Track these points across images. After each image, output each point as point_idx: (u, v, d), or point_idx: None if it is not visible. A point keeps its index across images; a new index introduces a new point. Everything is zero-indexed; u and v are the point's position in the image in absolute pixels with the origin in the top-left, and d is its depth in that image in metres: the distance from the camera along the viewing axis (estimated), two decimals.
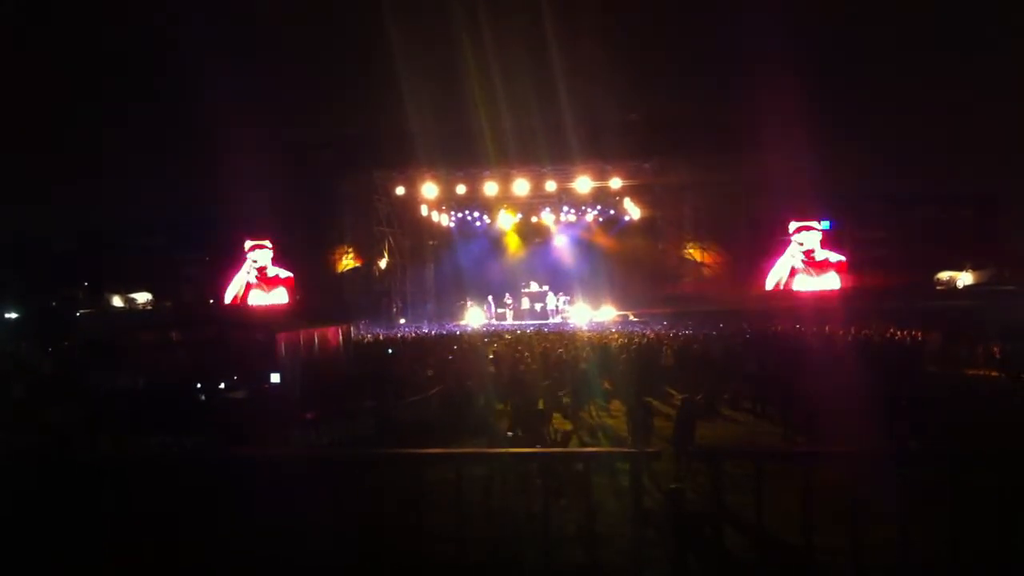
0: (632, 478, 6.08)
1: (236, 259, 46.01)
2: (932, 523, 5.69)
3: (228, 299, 45.64)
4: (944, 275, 42.85)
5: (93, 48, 35.54)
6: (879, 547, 5.79)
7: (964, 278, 42.11)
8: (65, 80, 37.27)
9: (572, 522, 6.73)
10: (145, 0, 32.17)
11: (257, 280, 45.40)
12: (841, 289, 41.14)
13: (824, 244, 41.10)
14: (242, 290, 45.55)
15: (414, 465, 6.82)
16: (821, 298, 40.61)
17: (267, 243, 45.59)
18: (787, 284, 41.94)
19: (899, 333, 28.21)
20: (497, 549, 6.26)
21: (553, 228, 49.22)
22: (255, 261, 45.55)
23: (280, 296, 45.23)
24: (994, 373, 23.61)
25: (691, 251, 44.54)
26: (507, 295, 47.46)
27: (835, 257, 40.88)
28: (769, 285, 42.18)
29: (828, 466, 6.81)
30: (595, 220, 47.74)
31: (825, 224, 41.39)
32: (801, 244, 41.58)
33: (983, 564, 5.86)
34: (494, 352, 27.24)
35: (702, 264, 44.20)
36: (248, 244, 45.63)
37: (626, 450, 7.31)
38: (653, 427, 15.37)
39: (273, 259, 45.43)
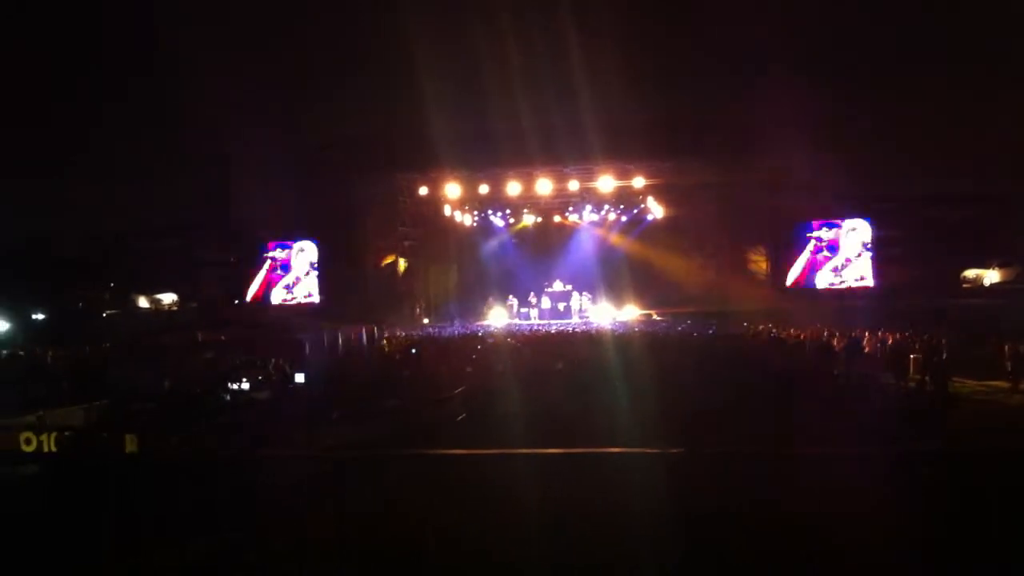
0: (651, 478, 6.08)
1: (261, 259, 46.26)
2: (936, 524, 5.67)
3: (249, 298, 45.99)
4: (970, 273, 42.48)
5: (117, 50, 35.66)
6: (886, 547, 5.77)
7: (990, 276, 41.72)
8: (92, 80, 37.41)
9: (591, 521, 6.73)
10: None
11: (282, 279, 45.73)
12: (865, 288, 40.97)
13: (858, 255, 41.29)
14: (265, 289, 45.88)
15: (437, 465, 6.84)
16: (845, 296, 40.46)
17: (291, 243, 45.90)
18: (810, 282, 41.94)
19: (916, 335, 27.99)
20: (517, 548, 6.26)
21: (576, 228, 49.21)
22: (277, 260, 45.89)
23: (304, 296, 45.51)
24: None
25: (712, 249, 44.52)
26: (531, 295, 47.50)
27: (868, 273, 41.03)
28: (789, 281, 42.24)
29: (837, 467, 6.78)
30: (618, 219, 47.65)
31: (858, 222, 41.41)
32: (821, 240, 41.72)
33: (987, 564, 5.83)
34: (518, 352, 27.30)
35: (724, 263, 44.13)
36: (272, 245, 45.95)
37: (646, 450, 7.29)
38: (676, 427, 15.31)
39: (300, 260, 45.80)
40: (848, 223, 41.58)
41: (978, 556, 5.80)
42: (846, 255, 41.58)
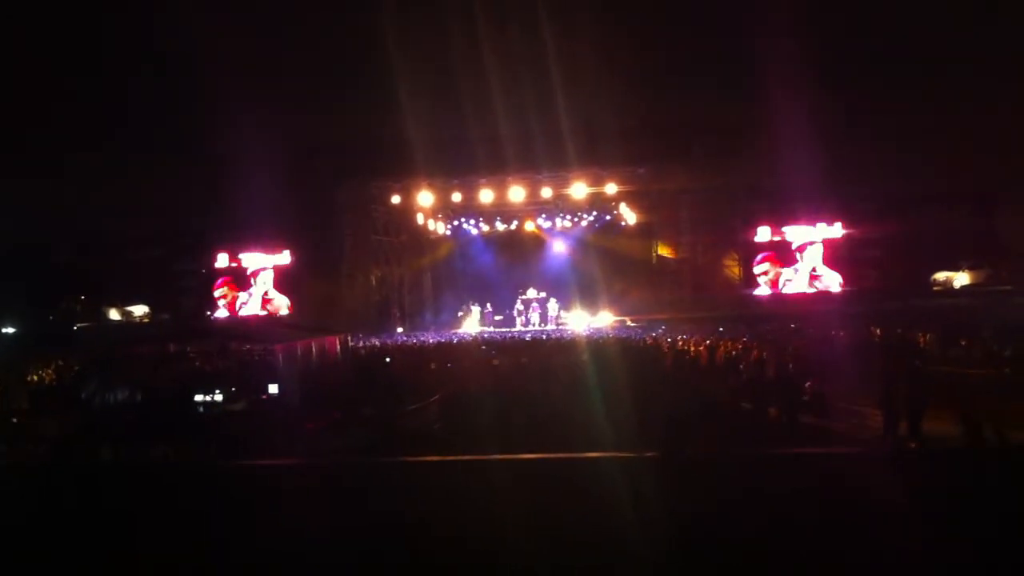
0: (630, 482, 6.09)
1: (233, 270, 45.97)
2: (932, 522, 5.69)
3: (221, 309, 45.74)
4: (941, 275, 42.89)
5: (88, 55, 35.45)
6: (880, 549, 5.79)
7: (961, 278, 42.15)
8: (56, 86, 37.11)
9: (570, 527, 6.72)
10: (142, 9, 32.09)
11: (255, 289, 45.51)
12: (838, 291, 41.20)
13: (826, 258, 41.41)
14: (238, 299, 45.63)
15: (415, 473, 6.83)
16: (819, 300, 40.68)
17: (264, 253, 45.65)
18: (781, 287, 42.10)
19: (897, 334, 28.24)
20: (497, 554, 6.25)
21: (549, 235, 49.33)
22: (251, 270, 45.64)
23: (277, 306, 45.31)
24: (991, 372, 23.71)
25: (686, 255, 44.70)
26: (505, 302, 47.59)
27: (835, 276, 41.24)
28: (761, 286, 42.38)
29: (828, 467, 6.82)
30: (591, 226, 47.80)
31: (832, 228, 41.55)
32: (792, 245, 41.87)
33: (983, 564, 5.86)
34: (494, 360, 27.33)
35: (697, 268, 44.32)
36: (245, 255, 45.67)
37: (624, 454, 7.30)
38: (654, 431, 15.35)
39: (273, 270, 45.54)
40: (820, 227, 41.80)
41: (978, 556, 5.83)
42: (818, 259, 41.79)
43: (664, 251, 46.02)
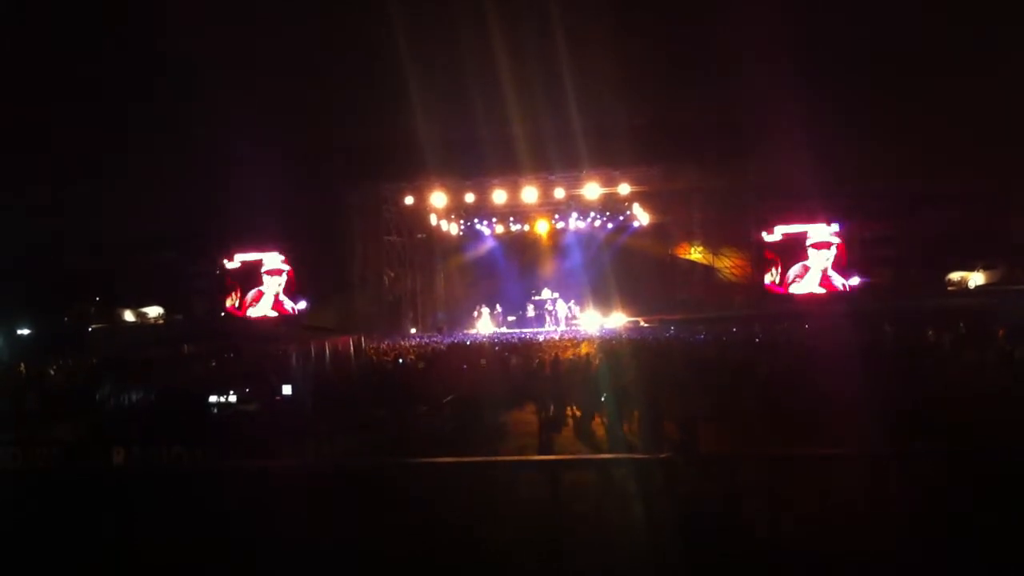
0: (642, 484, 6.08)
1: (245, 270, 46.05)
2: (941, 521, 5.67)
3: (234, 310, 45.84)
4: (955, 275, 42.63)
5: (97, 57, 35.53)
6: (891, 547, 5.77)
7: (975, 278, 41.89)
8: (69, 89, 37.20)
9: (583, 528, 6.72)
10: (150, 9, 32.16)
11: (267, 290, 45.59)
12: (851, 290, 41.01)
13: (838, 257, 41.15)
14: (250, 301, 45.72)
15: (427, 474, 6.83)
16: (831, 300, 40.53)
17: (277, 254, 45.70)
18: (793, 286, 41.92)
19: (910, 335, 28.09)
20: (508, 554, 6.25)
21: (562, 235, 49.27)
22: (263, 271, 45.70)
23: (290, 307, 45.36)
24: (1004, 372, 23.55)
25: (699, 255, 44.59)
26: (518, 303, 47.59)
27: (848, 275, 41.01)
28: (774, 286, 42.20)
29: (839, 468, 6.79)
30: (603, 226, 47.74)
31: (833, 227, 41.27)
32: (805, 243, 41.65)
33: (992, 562, 5.84)
34: (507, 361, 27.32)
35: (711, 268, 44.23)
36: (257, 255, 45.76)
37: (637, 456, 7.28)
38: (664, 433, 15.34)
39: (285, 271, 45.60)
40: (833, 226, 41.64)
41: (979, 556, 5.81)
42: (831, 258, 41.62)
43: (678, 251, 45.93)
